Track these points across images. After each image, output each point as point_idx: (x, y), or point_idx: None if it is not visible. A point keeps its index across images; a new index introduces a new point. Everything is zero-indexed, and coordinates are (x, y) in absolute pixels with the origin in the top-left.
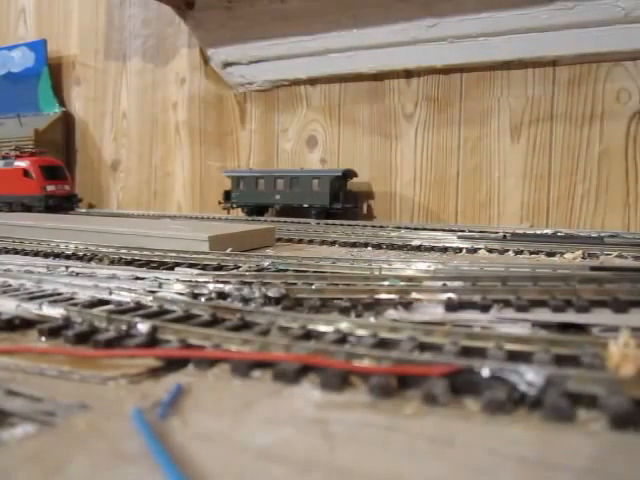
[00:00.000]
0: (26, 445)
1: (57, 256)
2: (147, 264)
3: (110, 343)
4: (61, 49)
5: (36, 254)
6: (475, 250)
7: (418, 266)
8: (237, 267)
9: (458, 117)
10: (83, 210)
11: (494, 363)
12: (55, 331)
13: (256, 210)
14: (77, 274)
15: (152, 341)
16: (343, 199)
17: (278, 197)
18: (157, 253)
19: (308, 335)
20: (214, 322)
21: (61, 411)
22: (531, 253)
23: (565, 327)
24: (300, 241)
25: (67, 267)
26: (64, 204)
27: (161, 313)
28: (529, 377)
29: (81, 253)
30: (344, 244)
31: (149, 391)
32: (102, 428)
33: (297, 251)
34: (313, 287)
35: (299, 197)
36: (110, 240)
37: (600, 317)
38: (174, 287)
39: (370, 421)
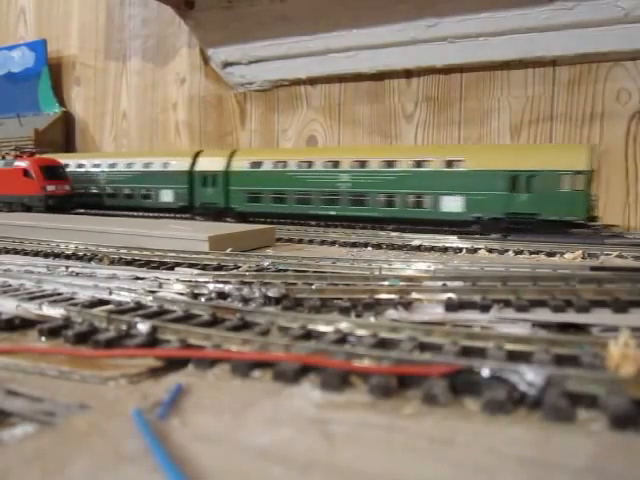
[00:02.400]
0: (26, 445)
1: (57, 256)
2: (147, 264)
3: (110, 343)
4: (61, 49)
5: (36, 254)
6: (475, 250)
7: (418, 266)
8: (237, 267)
9: (458, 117)
10: None
11: (494, 363)
12: (55, 331)
13: None
14: (77, 274)
15: (152, 341)
16: None
17: None
18: (157, 253)
19: (308, 335)
20: (214, 322)
21: (61, 411)
22: (531, 253)
23: (565, 327)
24: (300, 241)
25: (67, 267)
26: (64, 204)
27: (161, 313)
28: (529, 377)
29: (81, 253)
30: (344, 244)
31: (149, 391)
32: (102, 428)
33: (297, 251)
34: (313, 287)
35: None
36: (110, 240)
37: (600, 317)
38: (174, 287)
39: (370, 421)
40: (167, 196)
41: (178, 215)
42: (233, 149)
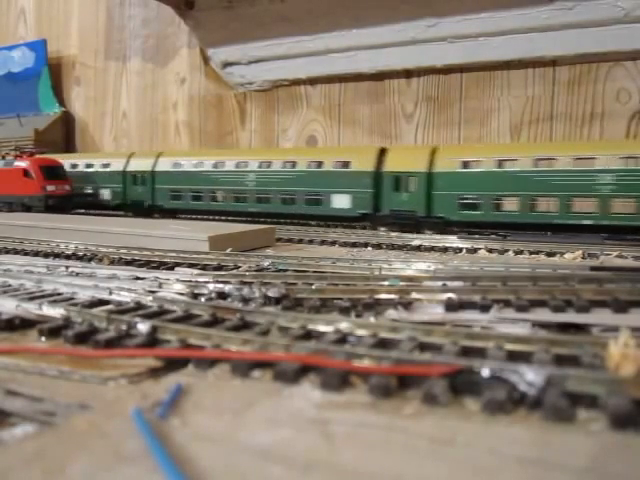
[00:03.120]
0: (26, 445)
1: (57, 256)
2: (147, 264)
3: (110, 343)
4: (61, 49)
5: (36, 254)
6: (475, 250)
7: (418, 266)
8: (237, 267)
9: (458, 117)
10: None
11: (494, 363)
12: (55, 331)
13: None
14: (77, 274)
15: (152, 341)
16: None
17: None
18: (157, 253)
19: (308, 335)
20: (214, 322)
21: (61, 411)
22: (531, 253)
23: (565, 327)
24: (300, 241)
25: (67, 267)
26: (64, 204)
27: (161, 313)
28: (529, 377)
29: (81, 253)
30: (344, 244)
31: (149, 391)
32: (102, 428)
33: (297, 251)
34: (313, 287)
35: None
36: (110, 240)
37: (600, 317)
38: (174, 287)
39: (370, 421)
40: (342, 201)
41: (353, 224)
42: (433, 146)
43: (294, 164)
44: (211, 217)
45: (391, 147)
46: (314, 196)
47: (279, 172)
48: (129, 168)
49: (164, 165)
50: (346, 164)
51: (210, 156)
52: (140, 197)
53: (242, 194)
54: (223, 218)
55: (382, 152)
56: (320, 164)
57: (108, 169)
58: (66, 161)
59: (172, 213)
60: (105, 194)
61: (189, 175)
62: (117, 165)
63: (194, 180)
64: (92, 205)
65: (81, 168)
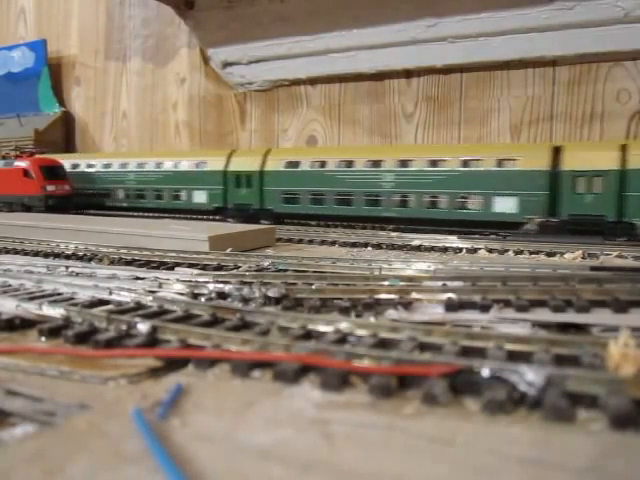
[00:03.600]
0: (26, 445)
1: (57, 256)
2: (147, 264)
3: (110, 343)
4: (61, 49)
5: (36, 254)
6: (475, 250)
7: (418, 266)
8: (237, 267)
9: (458, 117)
10: None
11: (494, 363)
12: (55, 331)
13: None
14: (77, 274)
15: (152, 341)
16: None
17: None
18: (157, 253)
19: (308, 335)
20: (214, 322)
21: (61, 411)
22: (531, 253)
23: (565, 327)
24: (300, 241)
25: (67, 267)
26: (64, 204)
27: (161, 313)
28: (529, 377)
29: (81, 253)
30: (344, 244)
31: (149, 391)
32: (102, 428)
33: (297, 251)
34: (313, 287)
35: None
36: (110, 240)
37: (600, 317)
38: (174, 287)
39: (370, 421)
40: (506, 205)
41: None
42: (619, 141)
43: (441, 162)
44: (338, 224)
45: (567, 144)
46: (466, 199)
47: (422, 172)
48: (231, 168)
49: (275, 164)
50: (511, 162)
51: (335, 154)
52: (245, 200)
53: (375, 197)
54: (352, 224)
55: (556, 149)
56: (476, 162)
57: (203, 169)
58: (152, 160)
59: (282, 218)
60: (199, 196)
61: (309, 175)
62: (216, 164)
63: (315, 181)
64: (175, 209)
65: (167, 167)
